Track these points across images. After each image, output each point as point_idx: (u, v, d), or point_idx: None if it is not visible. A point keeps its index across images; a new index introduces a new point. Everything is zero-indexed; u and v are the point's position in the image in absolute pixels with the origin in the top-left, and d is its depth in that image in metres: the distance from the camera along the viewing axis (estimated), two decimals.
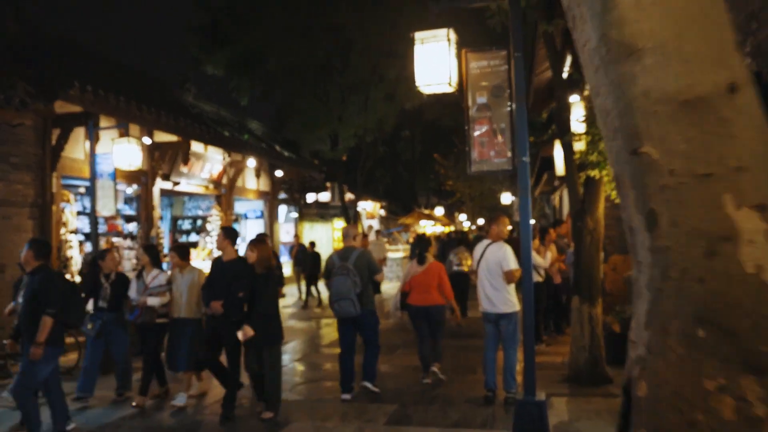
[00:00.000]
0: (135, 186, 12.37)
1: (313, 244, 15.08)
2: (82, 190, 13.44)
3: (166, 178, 12.97)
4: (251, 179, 17.06)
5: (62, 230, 10.17)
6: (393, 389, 6.78)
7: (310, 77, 17.80)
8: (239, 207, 18.50)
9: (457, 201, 37.58)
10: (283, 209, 21.30)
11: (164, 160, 12.64)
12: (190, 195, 15.77)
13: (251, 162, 15.57)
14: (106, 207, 8.25)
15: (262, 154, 16.03)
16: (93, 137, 8.29)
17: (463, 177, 32.80)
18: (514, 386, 5.99)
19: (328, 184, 22.98)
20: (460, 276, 10.61)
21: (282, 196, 19.70)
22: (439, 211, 36.95)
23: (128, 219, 13.34)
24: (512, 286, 5.98)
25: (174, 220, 18.42)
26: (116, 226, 15.21)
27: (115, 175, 8.28)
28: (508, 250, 5.93)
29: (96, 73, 11.42)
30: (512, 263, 5.87)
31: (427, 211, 34.61)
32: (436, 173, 34.04)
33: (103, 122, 10.92)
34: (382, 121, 18.89)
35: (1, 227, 9.13)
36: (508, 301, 5.94)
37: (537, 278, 8.13)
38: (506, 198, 24.85)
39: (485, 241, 6.16)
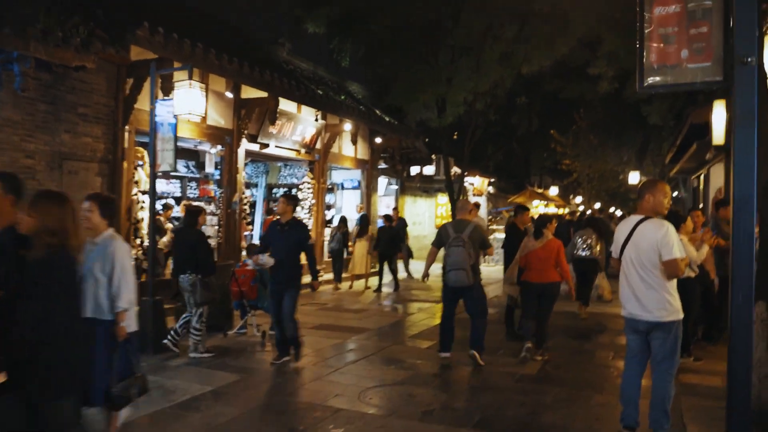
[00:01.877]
0: (219, 147, 11.39)
1: (389, 217, 13.41)
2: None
3: (252, 139, 11.91)
4: (348, 146, 15.78)
5: (134, 190, 9.31)
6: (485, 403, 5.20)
7: (417, 37, 16.17)
8: (335, 176, 17.35)
9: (573, 182, 34.81)
10: (383, 181, 19.96)
11: (250, 118, 11.56)
12: (285, 161, 14.72)
13: (348, 126, 14.26)
14: (165, 162, 7.17)
15: (361, 117, 14.65)
16: (154, 82, 7.18)
17: (583, 156, 30.17)
18: (667, 425, 4.21)
19: (434, 157, 21.30)
20: (585, 262, 9.82)
21: (382, 166, 18.31)
22: (553, 191, 34.31)
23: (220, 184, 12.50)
24: (674, 284, 4.16)
25: (269, 188, 17.61)
26: (208, 191, 14.51)
27: (176, 126, 7.14)
28: (670, 231, 4.11)
29: (177, 21, 10.45)
30: (677, 250, 4.05)
31: (540, 191, 32.17)
32: (552, 151, 31.54)
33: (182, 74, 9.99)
34: (495, 86, 16.94)
35: (66, 182, 8.34)
36: (669, 304, 4.14)
37: (689, 273, 6.15)
38: (634, 177, 22.10)
39: (633, 218, 4.35)
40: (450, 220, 11.76)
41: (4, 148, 7.52)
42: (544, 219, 7.21)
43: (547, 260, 6.74)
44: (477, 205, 18.89)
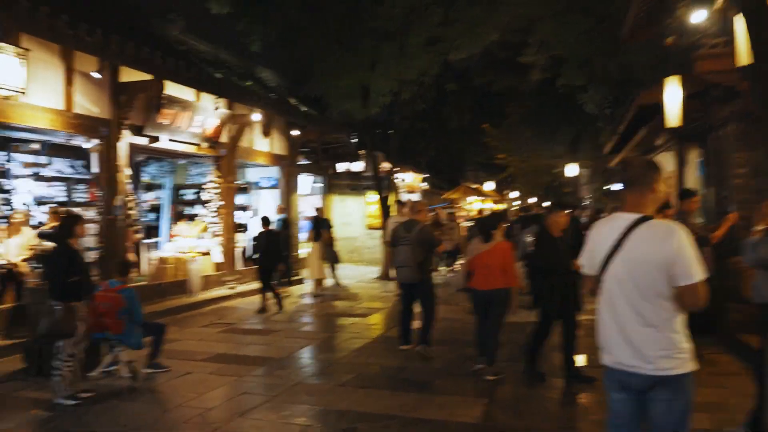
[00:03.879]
0: (95, 141, 9.42)
1: (266, 220, 10.60)
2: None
3: (138, 131, 9.98)
4: (261, 140, 13.96)
5: None
6: None
7: (336, 19, 14.59)
8: (250, 174, 15.50)
9: (507, 177, 34.11)
10: (307, 179, 18.23)
11: (132, 106, 9.63)
12: (184, 157, 12.77)
13: (257, 116, 12.47)
14: None
15: (272, 106, 12.89)
16: None
17: (516, 150, 29.37)
18: None
19: (361, 152, 19.73)
20: None
21: (303, 162, 16.59)
22: (488, 186, 33.43)
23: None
24: (680, 319, 2.69)
25: (176, 189, 15.58)
26: (93, 194, 12.40)
27: None
28: (684, 239, 2.61)
29: None
30: (698, 268, 2.58)
31: (474, 186, 31.19)
32: (485, 145, 30.61)
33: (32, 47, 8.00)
34: (422, 73, 15.53)
35: None
36: (678, 350, 2.65)
37: None
38: (572, 169, 21.23)
39: (620, 218, 2.83)
40: (380, 219, 10.38)
41: None
42: (494, 219, 6.78)
43: (494, 266, 6.02)
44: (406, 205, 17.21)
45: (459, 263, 13.05)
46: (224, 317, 9.77)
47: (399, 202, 10.92)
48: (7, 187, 10.54)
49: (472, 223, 16.66)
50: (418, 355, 6.89)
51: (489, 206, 31.88)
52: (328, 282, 13.52)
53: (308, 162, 17.13)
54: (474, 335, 6.43)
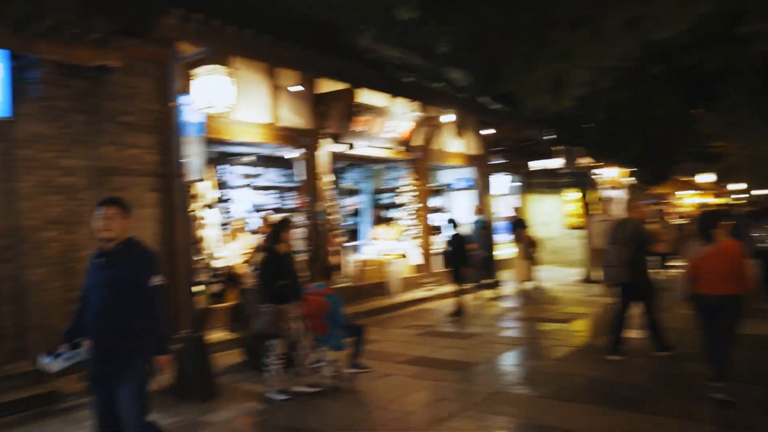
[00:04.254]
0: (299, 150, 10.01)
1: (454, 223, 10.53)
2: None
3: (335, 139, 10.42)
4: (454, 141, 13.89)
5: (194, 205, 8.08)
6: None
7: (523, 13, 14.04)
8: (443, 175, 15.51)
9: (727, 167, 30.39)
10: (502, 179, 17.80)
11: (330, 116, 10.07)
12: (380, 162, 13.10)
13: (449, 117, 12.42)
14: (192, 170, 5.83)
15: (463, 106, 12.74)
16: (172, 74, 5.86)
17: (736, 136, 26.00)
18: None
19: (557, 148, 18.77)
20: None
21: (498, 161, 16.20)
22: (702, 178, 30.05)
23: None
24: None
25: (374, 193, 16.14)
26: (302, 201, 13.26)
27: (205, 126, 5.79)
28: None
29: (231, 10, 9.16)
30: None
31: (686, 179, 28.26)
32: (698, 134, 27.53)
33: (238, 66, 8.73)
34: (621, 58, 14.32)
35: None
36: None
37: None
38: None
39: None
40: (581, 218, 9.79)
41: (34, 166, 6.51)
42: (712, 217, 5.65)
43: (721, 269, 5.28)
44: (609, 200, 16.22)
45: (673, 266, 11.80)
46: (423, 319, 9.79)
47: (602, 200, 10.17)
48: (228, 197, 11.67)
49: (686, 221, 14.99)
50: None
51: (705, 201, 28.71)
52: (528, 284, 13.00)
53: (503, 161, 16.69)
54: (701, 349, 5.60)
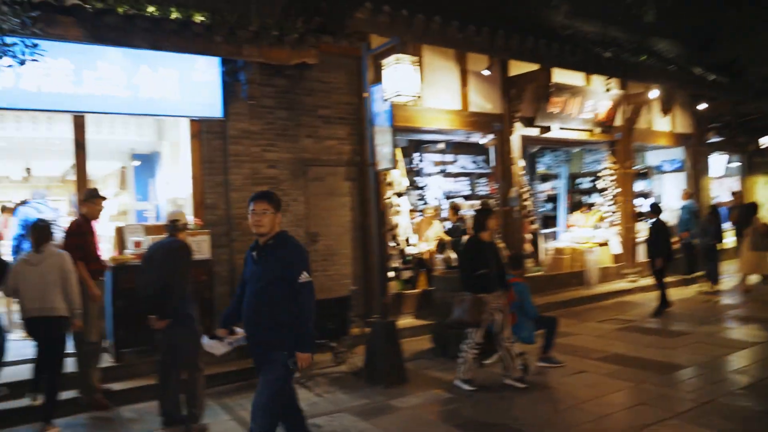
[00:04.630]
0: (490, 135, 9.83)
1: (655, 208, 9.46)
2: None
3: (529, 122, 10.04)
4: (660, 118, 12.65)
5: (387, 192, 8.32)
6: None
7: None
8: (650, 157, 14.25)
9: None
10: (719, 158, 15.89)
11: (522, 98, 9.73)
12: (576, 144, 12.37)
13: (654, 93, 11.32)
14: (383, 158, 5.94)
15: (672, 80, 11.50)
16: (366, 66, 6.01)
17: None
18: None
19: None
20: None
21: (714, 139, 14.47)
22: None
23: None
24: None
25: (572, 178, 15.37)
26: (493, 188, 13.08)
27: (392, 114, 5.86)
28: None
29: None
30: None
31: None
32: None
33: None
34: None
35: (312, 190, 7.76)
36: None
37: None
38: None
39: None
40: None
41: (243, 160, 7.18)
42: None
43: None
44: None
45: None
46: (624, 313, 9.10)
47: None
48: (421, 184, 11.87)
49: None
50: None
51: None
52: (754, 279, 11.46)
53: (720, 139, 14.86)
54: None
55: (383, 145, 5.96)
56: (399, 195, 8.46)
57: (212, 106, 6.89)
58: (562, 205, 14.98)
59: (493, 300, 5.64)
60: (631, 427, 4.59)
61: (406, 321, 7.97)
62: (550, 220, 14.86)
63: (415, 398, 5.46)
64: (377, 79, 6.44)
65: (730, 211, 12.79)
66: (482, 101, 9.55)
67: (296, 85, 7.59)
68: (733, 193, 13.08)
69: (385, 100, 5.82)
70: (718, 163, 15.04)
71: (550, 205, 15.48)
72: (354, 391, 5.69)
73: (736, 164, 16.28)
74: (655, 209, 9.32)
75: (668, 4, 13.68)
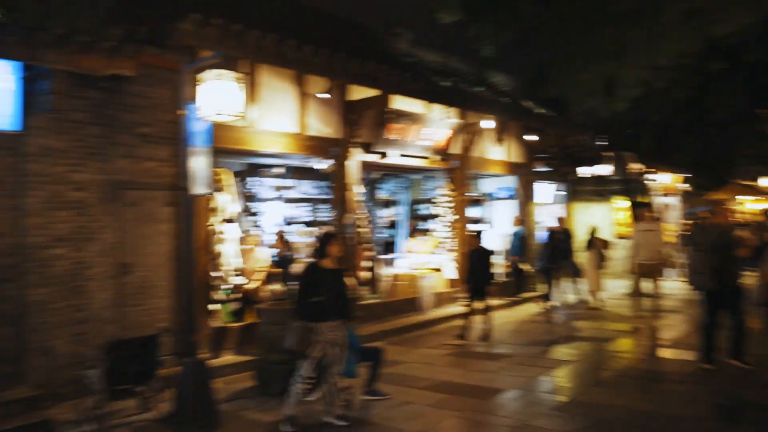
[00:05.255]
0: (329, 161, 9.65)
1: (477, 236, 9.87)
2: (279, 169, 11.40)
3: (367, 148, 10.02)
4: (495, 148, 13.27)
5: (211, 219, 7.81)
6: None
7: (573, 11, 13.34)
8: (484, 185, 14.91)
9: None
10: (547, 187, 17.05)
11: (361, 124, 9.69)
12: (414, 171, 12.62)
13: (490, 123, 11.84)
14: (200, 183, 5.50)
15: (506, 112, 12.12)
16: (183, 81, 5.55)
17: None
18: None
19: (607, 154, 17.85)
20: None
21: (542, 169, 15.48)
22: (766, 182, 28.23)
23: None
24: None
25: (412, 204, 15.68)
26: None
27: (213, 134, 5.47)
28: None
29: (254, 14, 8.87)
30: None
31: (748, 183, 26.65)
32: (761, 135, 25.85)
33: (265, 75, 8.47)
34: (678, 55, 13.41)
35: (127, 216, 7.04)
36: None
37: None
38: None
39: None
40: (629, 226, 9.25)
41: (42, 181, 6.34)
42: None
43: None
44: (667, 207, 15.28)
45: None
46: (455, 338, 9.23)
47: (639, 206, 9.58)
48: (258, 211, 11.42)
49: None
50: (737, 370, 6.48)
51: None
52: (570, 298, 12.30)
53: (547, 169, 15.94)
54: None
55: (200, 168, 5.51)
56: (229, 221, 7.97)
57: (3, 116, 6.03)
58: (403, 230, 15.22)
59: (328, 330, 5.38)
60: None
61: (227, 358, 7.46)
62: (391, 246, 15.03)
63: None
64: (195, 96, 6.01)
65: (550, 235, 13.67)
66: (321, 125, 9.37)
67: (113, 99, 6.89)
68: (559, 219, 13.98)
69: (202, 118, 5.39)
70: (546, 190, 16.09)
71: (391, 232, 15.68)
72: None
73: (561, 192, 17.55)
74: (477, 237, 9.62)
75: (505, 41, 14.50)
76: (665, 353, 7.81)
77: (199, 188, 5.62)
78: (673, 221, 19.63)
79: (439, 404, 5.93)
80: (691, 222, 17.02)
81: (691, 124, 26.87)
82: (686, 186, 21.48)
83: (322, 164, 9.79)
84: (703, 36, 13.56)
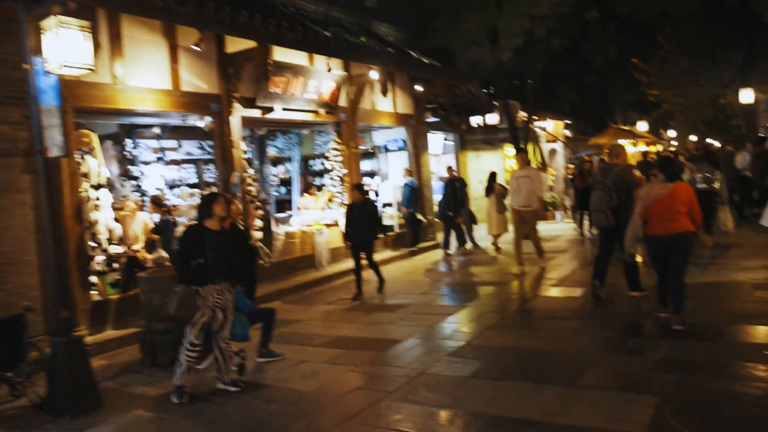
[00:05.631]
0: (207, 118, 9.12)
1: (360, 188, 9.14)
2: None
3: (250, 103, 9.56)
4: (383, 99, 13.11)
5: (83, 185, 7.17)
6: None
7: None
8: (377, 137, 14.80)
9: (663, 114, 30.57)
10: (438, 137, 17.22)
11: (241, 78, 9.18)
12: (303, 126, 12.25)
13: (375, 74, 11.63)
14: (53, 144, 4.97)
15: (391, 62, 11.92)
16: (25, 31, 4.91)
17: (672, 84, 26.01)
18: None
19: (496, 103, 18.24)
20: (706, 195, 9.58)
21: (431, 119, 15.56)
22: (641, 126, 30.19)
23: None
24: None
25: (305, 160, 15.35)
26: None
27: (61, 92, 4.90)
28: None
29: None
30: None
31: (626, 128, 28.31)
32: (635, 82, 27.48)
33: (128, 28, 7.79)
34: (555, 2, 13.78)
35: None
36: None
37: None
38: (746, 96, 18.20)
39: None
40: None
41: None
42: (672, 162, 6.45)
43: (675, 209, 5.73)
44: (553, 152, 16.07)
45: None
46: (351, 292, 9.15)
47: (518, 153, 9.68)
48: (137, 174, 10.69)
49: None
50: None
51: (646, 149, 28.86)
52: (469, 245, 12.60)
53: (438, 119, 16.05)
54: (657, 288, 6.18)
55: (52, 128, 4.95)
56: (98, 187, 7.33)
57: None
58: (296, 188, 14.91)
59: (212, 294, 5.07)
60: (345, 416, 4.41)
61: (110, 332, 6.99)
62: (285, 204, 14.70)
63: (108, 426, 4.65)
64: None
65: (445, 185, 13.87)
66: (197, 80, 8.79)
67: None
68: (448, 169, 14.17)
69: (48, 72, 4.81)
70: (435, 141, 16.23)
71: (284, 189, 15.33)
72: (32, 429, 4.69)
73: (451, 142, 17.79)
74: (360, 189, 9.06)
75: None
76: (554, 292, 8.11)
77: (53, 151, 5.05)
78: (558, 166, 20.51)
79: (335, 360, 5.84)
80: (573, 166, 17.81)
81: (571, 72, 28.06)
82: (567, 132, 22.43)
83: (202, 122, 9.23)
84: None
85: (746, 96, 18.50)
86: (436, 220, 13.56)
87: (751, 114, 23.99)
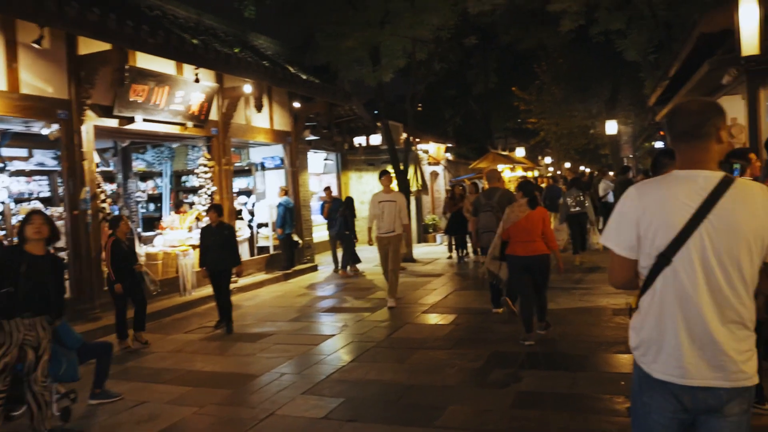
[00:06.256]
0: (54, 126, 8.19)
1: (218, 209, 8.30)
2: None
3: (106, 112, 8.72)
4: (260, 115, 12.54)
5: None
6: None
7: None
8: (254, 154, 14.20)
9: (540, 141, 32.18)
10: (318, 156, 16.89)
11: (94, 83, 8.34)
12: (166, 139, 11.46)
13: (251, 89, 11.09)
14: None
15: (266, 75, 11.41)
16: None
17: (548, 113, 27.40)
18: None
19: (377, 124, 18.20)
20: (579, 216, 11.17)
21: (311, 137, 15.18)
22: (519, 152, 31.52)
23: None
24: None
25: (177, 176, 14.44)
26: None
27: None
28: None
29: None
30: None
31: (505, 153, 29.40)
32: (515, 109, 28.71)
33: None
34: (437, 27, 13.92)
35: None
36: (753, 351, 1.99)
37: None
38: (611, 127, 19.35)
39: (698, 177, 1.99)
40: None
41: None
42: (532, 186, 6.65)
43: (533, 231, 6.21)
44: (434, 174, 16.06)
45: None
46: (213, 319, 8.48)
47: (382, 174, 9.29)
48: None
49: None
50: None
51: (523, 174, 30.10)
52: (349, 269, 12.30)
53: (317, 138, 15.70)
54: (521, 311, 6.43)
55: None
56: None
57: None
58: (166, 205, 13.98)
59: (21, 329, 4.33)
60: None
61: None
62: (155, 222, 13.70)
63: None
64: None
65: (323, 205, 13.52)
66: (41, 83, 7.88)
67: None
68: (325, 189, 13.84)
69: None
70: (316, 160, 15.86)
71: (153, 206, 14.33)
72: None
73: (331, 162, 17.51)
74: (217, 210, 8.23)
75: (268, 4, 13.80)
76: (425, 319, 7.92)
77: None
78: (439, 188, 20.80)
79: (180, 400, 5.23)
80: (450, 189, 18.08)
81: (455, 97, 28.85)
82: (449, 155, 22.85)
83: (48, 130, 8.29)
84: (458, 11, 14.29)
85: (611, 127, 19.70)
86: (316, 241, 13.17)
87: (615, 144, 25.68)
